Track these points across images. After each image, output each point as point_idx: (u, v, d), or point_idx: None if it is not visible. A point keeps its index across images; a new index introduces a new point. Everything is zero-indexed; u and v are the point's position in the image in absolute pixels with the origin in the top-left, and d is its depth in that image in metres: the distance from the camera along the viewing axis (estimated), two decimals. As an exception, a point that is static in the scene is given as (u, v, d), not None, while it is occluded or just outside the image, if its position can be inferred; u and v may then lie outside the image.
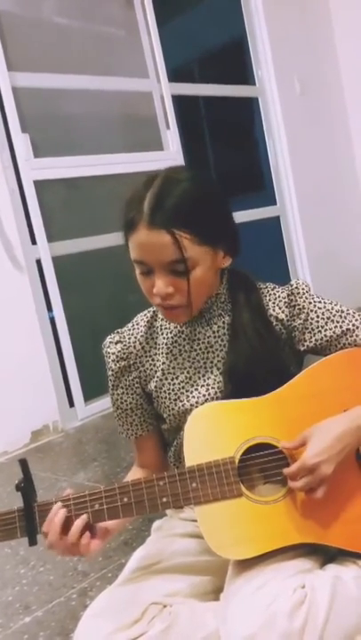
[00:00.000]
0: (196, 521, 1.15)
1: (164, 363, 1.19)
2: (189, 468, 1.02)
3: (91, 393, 3.14)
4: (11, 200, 2.88)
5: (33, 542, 1.00)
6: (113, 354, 1.22)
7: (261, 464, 1.05)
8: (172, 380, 1.18)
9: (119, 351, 1.21)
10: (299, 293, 1.15)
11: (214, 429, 1.07)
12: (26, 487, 1.00)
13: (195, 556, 1.15)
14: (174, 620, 1.03)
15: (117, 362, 1.21)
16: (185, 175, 1.07)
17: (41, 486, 1.03)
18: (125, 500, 1.01)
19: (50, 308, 3.04)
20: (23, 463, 1.00)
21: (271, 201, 4.31)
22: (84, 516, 1.01)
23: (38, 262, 2.99)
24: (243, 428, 1.05)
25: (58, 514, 1.00)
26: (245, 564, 1.00)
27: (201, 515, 1.01)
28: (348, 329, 1.14)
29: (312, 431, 1.01)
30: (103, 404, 3.13)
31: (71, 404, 3.09)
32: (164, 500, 1.01)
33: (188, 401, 1.16)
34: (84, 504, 1.01)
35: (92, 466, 2.49)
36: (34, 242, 2.98)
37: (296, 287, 1.16)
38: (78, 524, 1.00)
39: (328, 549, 1.06)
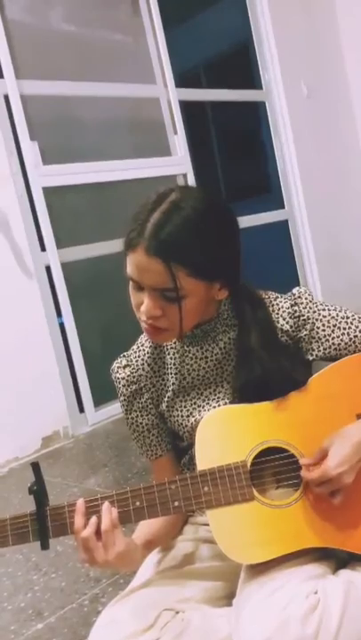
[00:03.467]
0: (207, 525, 1.16)
1: (173, 383, 1.18)
2: (201, 472, 1.02)
3: (101, 398, 3.14)
4: (20, 207, 2.90)
5: (45, 546, 1.00)
6: (123, 379, 1.21)
7: (273, 468, 1.05)
8: (184, 397, 1.18)
9: (128, 375, 1.21)
10: (302, 303, 1.13)
11: (226, 433, 1.07)
12: (38, 490, 1.00)
13: (207, 561, 1.15)
14: (187, 626, 1.03)
15: (128, 386, 1.21)
16: (193, 204, 1.02)
17: (52, 492, 1.03)
18: (137, 503, 1.01)
19: (59, 314, 3.05)
20: (35, 467, 1.00)
21: (279, 204, 4.30)
22: (114, 510, 1.00)
23: (47, 268, 3.00)
24: (254, 431, 1.05)
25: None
26: (258, 570, 1.00)
27: (213, 518, 1.01)
28: (355, 335, 1.13)
29: (331, 440, 1.01)
30: (113, 409, 3.13)
31: (81, 409, 3.10)
32: (176, 503, 1.01)
33: (199, 415, 1.15)
34: (96, 507, 1.01)
35: (103, 471, 2.49)
36: (43, 248, 2.99)
37: (299, 297, 1.14)
38: (105, 513, 0.99)
39: (340, 554, 1.05)
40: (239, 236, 1.09)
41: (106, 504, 1.00)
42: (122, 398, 1.22)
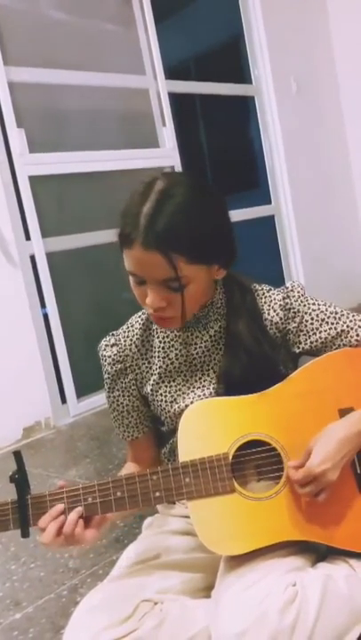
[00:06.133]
0: (187, 517, 1.16)
1: (160, 367, 1.18)
2: (183, 464, 1.02)
3: (83, 390, 3.13)
4: (5, 195, 2.87)
5: (25, 534, 1.00)
6: (109, 357, 1.21)
7: (255, 461, 1.05)
8: (169, 382, 1.18)
9: (115, 354, 1.21)
10: (294, 296, 1.15)
11: (209, 425, 1.07)
12: (20, 479, 1.00)
13: (186, 552, 1.15)
14: (165, 617, 1.03)
15: (113, 365, 1.21)
16: (182, 190, 1.02)
17: (32, 482, 1.02)
18: (119, 494, 1.01)
19: (43, 305, 3.03)
20: (17, 455, 1.01)
21: (266, 200, 4.31)
22: (79, 509, 1.01)
23: (32, 258, 2.97)
24: (237, 424, 1.05)
25: (56, 509, 1.00)
26: (237, 561, 1.00)
27: (194, 510, 1.01)
28: (342, 330, 1.14)
29: (315, 439, 1.02)
30: (95, 400, 3.12)
31: (63, 400, 3.08)
32: (157, 494, 1.01)
33: (183, 402, 1.16)
34: (77, 497, 1.01)
35: (84, 462, 2.49)
36: (28, 237, 2.96)
37: (292, 290, 1.16)
38: (72, 517, 1.00)
39: (319, 548, 1.06)
40: (228, 212, 1.10)
41: (73, 514, 1.00)
42: (106, 376, 1.23)
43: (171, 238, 0.99)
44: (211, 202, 1.06)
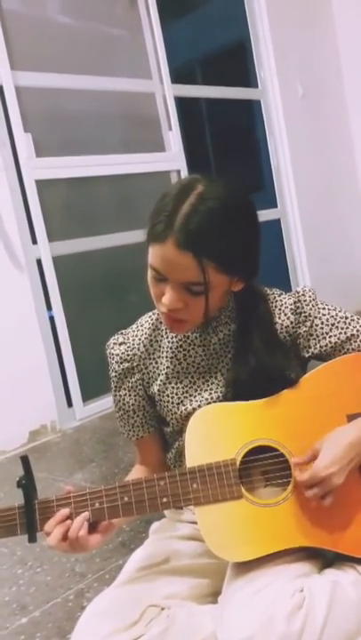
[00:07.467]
0: (194, 523, 1.16)
1: (168, 367, 1.18)
2: (190, 469, 1.02)
3: (89, 393, 3.13)
4: (12, 199, 2.88)
5: (33, 539, 1.00)
6: (117, 355, 1.21)
7: (263, 467, 1.05)
8: (176, 384, 1.18)
9: (123, 352, 1.21)
10: (305, 301, 1.15)
11: (216, 431, 1.06)
12: (27, 484, 1.00)
13: (194, 558, 1.15)
14: (172, 622, 1.03)
15: (121, 363, 1.21)
16: (221, 197, 1.01)
17: (38, 486, 1.03)
18: (126, 499, 1.01)
19: (49, 308, 3.04)
20: (24, 460, 1.01)
21: (272, 203, 4.30)
22: (85, 514, 1.01)
23: (39, 262, 2.98)
24: (245, 429, 1.05)
25: (61, 513, 1.00)
26: (244, 566, 1.00)
27: (201, 515, 1.01)
28: (352, 335, 1.14)
29: (323, 441, 1.02)
30: (101, 404, 3.12)
31: (69, 404, 3.09)
32: (165, 499, 1.01)
33: (190, 405, 1.15)
34: (84, 502, 1.01)
35: (90, 466, 2.49)
36: (34, 241, 2.97)
37: (303, 294, 1.16)
38: (78, 520, 1.00)
39: (327, 554, 1.06)
40: (260, 226, 1.09)
41: (79, 518, 1.00)
42: (113, 374, 1.23)
43: (206, 243, 0.98)
44: (247, 215, 1.06)
